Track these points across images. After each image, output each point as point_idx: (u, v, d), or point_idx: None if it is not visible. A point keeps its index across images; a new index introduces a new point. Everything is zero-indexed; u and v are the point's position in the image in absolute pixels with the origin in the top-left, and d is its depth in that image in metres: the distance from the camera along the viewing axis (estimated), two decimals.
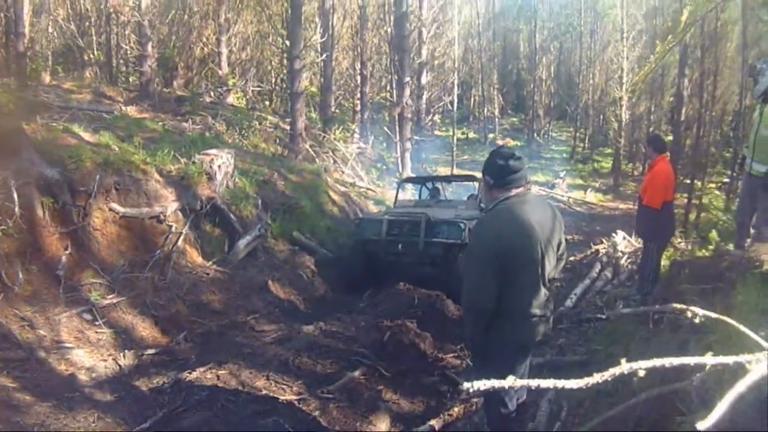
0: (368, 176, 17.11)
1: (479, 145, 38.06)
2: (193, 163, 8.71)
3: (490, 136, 39.43)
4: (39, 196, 6.40)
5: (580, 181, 30.76)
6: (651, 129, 33.02)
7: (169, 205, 7.84)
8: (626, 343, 5.79)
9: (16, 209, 6.02)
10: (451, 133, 26.52)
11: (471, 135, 40.87)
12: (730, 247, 7.92)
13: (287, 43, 14.83)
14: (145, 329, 6.58)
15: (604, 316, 7.70)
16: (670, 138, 30.21)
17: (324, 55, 17.60)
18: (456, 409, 5.14)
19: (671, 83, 32.04)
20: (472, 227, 8.85)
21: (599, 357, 5.80)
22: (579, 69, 38.18)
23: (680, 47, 23.74)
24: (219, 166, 8.89)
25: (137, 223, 7.48)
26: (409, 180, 13.43)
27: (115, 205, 7.20)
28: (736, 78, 27.70)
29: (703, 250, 10.58)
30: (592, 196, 27.82)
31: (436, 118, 30.52)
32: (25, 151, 6.50)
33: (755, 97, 6.19)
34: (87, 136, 8.83)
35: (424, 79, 23.70)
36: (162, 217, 7.70)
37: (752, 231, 6.23)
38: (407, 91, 17.74)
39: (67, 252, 6.51)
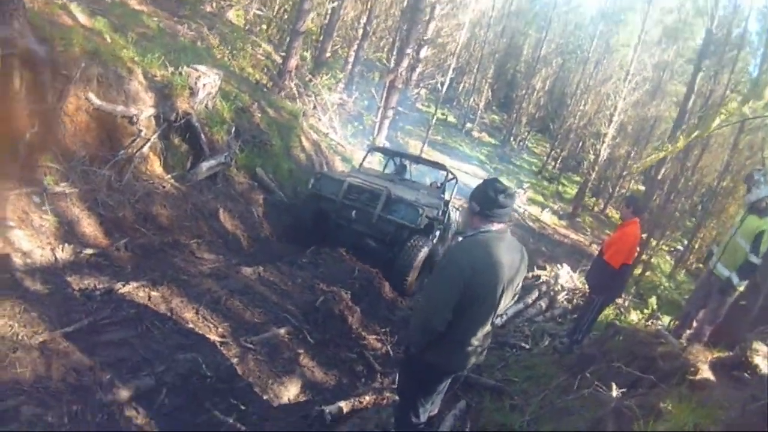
0: (343, 130, 17.14)
1: (455, 131, 38.32)
2: (180, 74, 8.65)
3: (468, 125, 39.65)
4: (20, 68, 6.27)
5: (540, 198, 31.25)
6: (624, 174, 33.73)
7: (146, 109, 7.82)
8: (544, 385, 5.92)
9: None
10: (432, 111, 26.61)
11: (450, 118, 41.05)
12: (665, 319, 8.33)
13: None
14: (89, 226, 6.62)
15: (527, 346, 7.95)
16: (642, 188, 31.03)
17: (335, 2, 17.44)
18: (367, 397, 5.30)
19: (658, 137, 32.64)
20: (429, 215, 9.10)
21: (514, 389, 5.96)
22: (573, 92, 38.52)
23: (680, 109, 24.32)
24: (204, 85, 8.85)
25: (109, 119, 7.43)
26: (380, 149, 13.43)
27: (92, 96, 7.14)
28: (722, 157, 28.45)
29: (639, 313, 10.96)
30: (547, 217, 28.28)
31: (423, 92, 30.43)
32: (17, 21, 6.39)
33: (745, 204, 6.45)
34: (83, 18, 8.66)
35: (423, 53, 23.60)
36: (135, 119, 7.66)
37: (695, 324, 6.59)
38: (405, 62, 17.73)
39: (33, 130, 6.44)
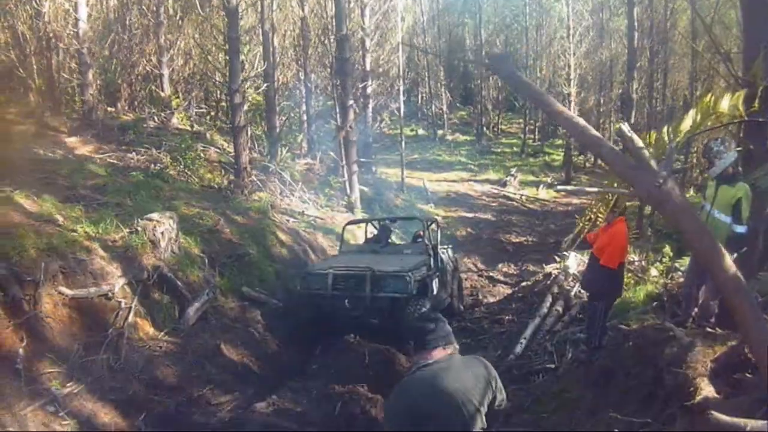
0: (317, 199, 17.32)
1: (429, 142, 38.50)
2: (136, 232, 8.85)
3: (439, 132, 39.84)
4: None
5: (531, 177, 31.27)
6: (601, 120, 33.74)
7: (116, 281, 8.03)
8: (571, 409, 6.10)
9: None
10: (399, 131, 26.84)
11: (420, 131, 41.35)
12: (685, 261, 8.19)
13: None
14: (106, 415, 6.74)
15: (553, 366, 8.03)
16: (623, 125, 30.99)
17: (265, 85, 17.70)
18: None
19: (620, 72, 32.68)
20: (418, 277, 9.30)
21: (545, 425, 6.12)
22: (525, 63, 38.64)
23: (628, 49, 24.44)
24: (162, 233, 9.07)
25: (87, 303, 7.63)
26: (354, 222, 13.58)
27: (63, 288, 7.36)
28: (687, 67, 28.42)
29: (657, 267, 10.77)
30: (544, 193, 28.31)
31: (385, 116, 30.64)
32: None
33: (711, 176, 6.23)
34: (28, 204, 8.98)
35: (369, 89, 23.85)
36: (110, 294, 7.87)
37: (700, 301, 6.37)
38: (351, 114, 17.88)
39: (23, 344, 6.64)
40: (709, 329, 5.40)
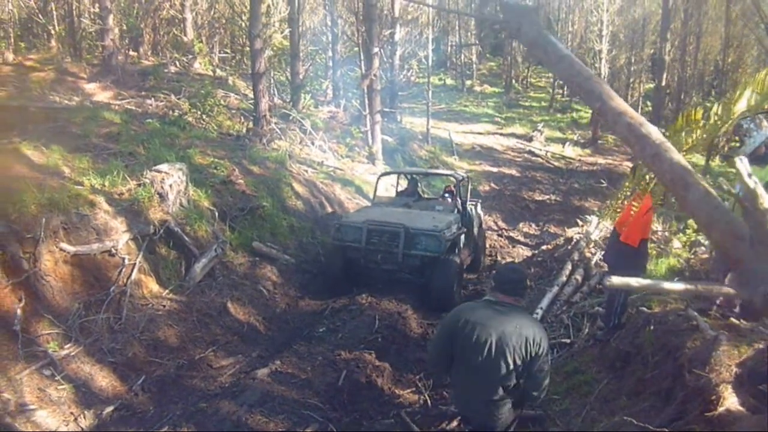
0: (338, 148, 16.95)
1: (456, 93, 37.78)
2: (143, 184, 8.55)
3: (468, 82, 39.03)
4: None
5: (558, 134, 30.62)
6: (631, 80, 32.80)
7: (120, 236, 7.75)
8: (585, 395, 5.89)
9: None
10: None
11: (448, 81, 40.56)
12: None
13: None
14: (104, 378, 6.57)
15: (568, 341, 7.77)
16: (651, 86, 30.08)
17: (288, 30, 17.18)
18: None
19: (653, 32, 31.69)
20: (449, 235, 9.53)
21: (555, 409, 5.92)
22: (557, 17, 37.57)
23: (663, 8, 23.51)
24: (171, 185, 8.77)
25: (89, 260, 7.39)
26: (388, 173, 13.40)
27: (65, 245, 7.10)
28: (719, 32, 27.53)
29: (680, 238, 10.36)
30: (570, 150, 27.79)
31: (414, 64, 29.88)
32: None
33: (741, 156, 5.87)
34: (36, 156, 8.72)
35: (397, 36, 23.19)
36: (114, 250, 7.61)
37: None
38: (377, 62, 17.28)
39: (21, 304, 6.44)
40: (733, 320, 5.34)
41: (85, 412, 6.04)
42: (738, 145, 5.94)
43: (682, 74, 27.05)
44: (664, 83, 23.25)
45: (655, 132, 2.65)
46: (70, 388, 6.21)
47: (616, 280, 2.60)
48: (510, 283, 4.12)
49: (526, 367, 3.97)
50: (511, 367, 3.93)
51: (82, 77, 15.42)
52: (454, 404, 4.72)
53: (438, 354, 4.28)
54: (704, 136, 3.99)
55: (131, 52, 19.10)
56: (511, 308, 4.05)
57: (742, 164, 2.48)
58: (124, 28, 19.15)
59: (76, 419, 5.93)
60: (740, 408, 3.86)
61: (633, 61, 32.80)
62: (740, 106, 3.98)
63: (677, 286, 2.90)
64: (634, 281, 2.68)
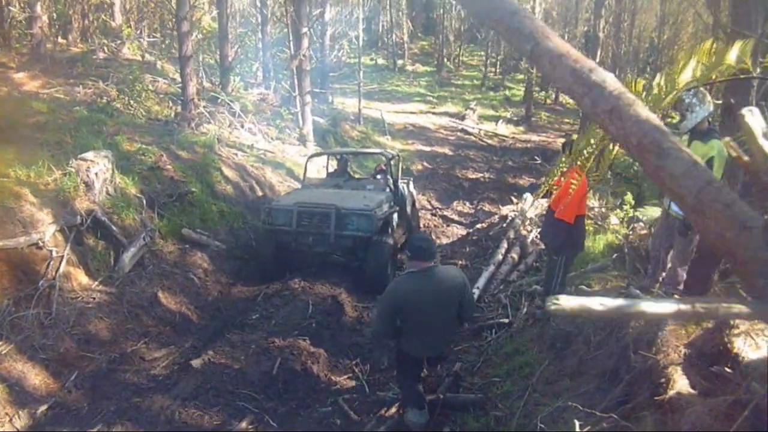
0: (268, 131, 16.89)
1: (388, 72, 37.86)
2: (69, 174, 8.44)
3: (399, 62, 39.12)
4: None
5: (491, 112, 31.00)
6: None
7: (47, 228, 7.64)
8: (526, 378, 5.85)
9: None
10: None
11: (380, 61, 40.55)
12: (650, 211, 7.76)
13: None
14: (36, 376, 6.52)
15: (506, 321, 7.79)
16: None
17: (215, 12, 16.98)
18: None
19: (586, 10, 32.27)
20: (381, 215, 9.58)
21: (496, 392, 5.94)
22: None
23: None
24: (96, 174, 8.67)
25: (16, 254, 7.25)
26: (317, 154, 13.37)
27: None
28: (654, 10, 28.18)
29: (617, 214, 10.45)
30: (503, 128, 28.18)
31: (345, 44, 29.77)
32: None
33: (681, 132, 5.66)
34: None
35: (327, 16, 23.12)
36: (41, 243, 7.49)
37: (668, 266, 6.00)
38: (306, 42, 17.24)
39: None
40: (677, 297, 5.18)
41: (20, 411, 5.99)
42: (676, 121, 5.76)
43: (616, 51, 27.66)
44: (598, 60, 23.73)
45: (611, 80, 2.07)
46: (3, 388, 6.15)
47: (566, 303, 2.06)
48: (425, 251, 5.06)
49: (461, 302, 5.22)
50: (457, 306, 5.21)
51: (11, 67, 14.97)
52: (413, 351, 5.35)
53: (387, 326, 5.24)
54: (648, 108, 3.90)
55: (60, 40, 18.63)
56: (435, 269, 5.08)
57: (754, 117, 2.00)
58: (54, 15, 18.61)
59: (11, 419, 5.88)
60: (692, 391, 3.73)
61: (567, 38, 33.37)
62: (685, 77, 3.94)
63: (665, 307, 2.23)
64: (598, 304, 2.12)
